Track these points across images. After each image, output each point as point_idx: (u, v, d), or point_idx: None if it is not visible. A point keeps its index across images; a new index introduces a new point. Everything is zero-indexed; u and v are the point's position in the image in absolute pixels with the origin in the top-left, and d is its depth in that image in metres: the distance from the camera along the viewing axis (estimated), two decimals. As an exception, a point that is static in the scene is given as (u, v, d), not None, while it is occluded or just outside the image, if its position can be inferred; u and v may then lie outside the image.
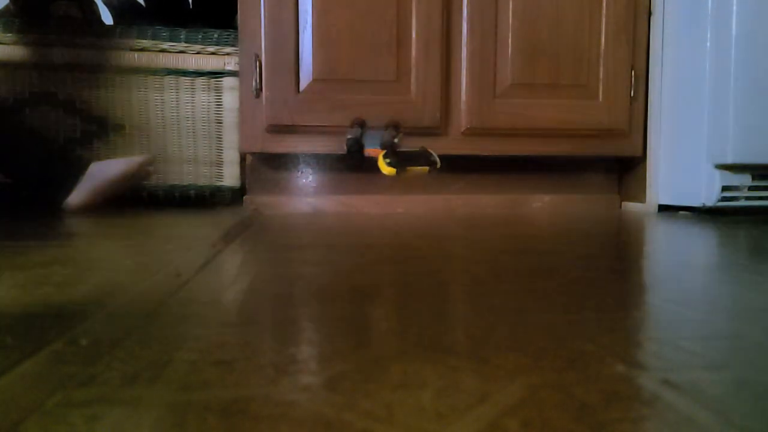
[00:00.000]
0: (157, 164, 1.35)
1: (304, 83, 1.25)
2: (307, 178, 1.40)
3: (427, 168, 1.01)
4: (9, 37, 1.32)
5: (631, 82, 1.36)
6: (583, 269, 0.60)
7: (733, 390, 0.27)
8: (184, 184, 1.41)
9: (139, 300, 0.45)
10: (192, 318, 0.40)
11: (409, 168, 1.01)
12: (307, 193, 1.40)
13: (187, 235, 0.88)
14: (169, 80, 1.40)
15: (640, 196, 1.42)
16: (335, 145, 1.28)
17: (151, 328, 0.37)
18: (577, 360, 0.31)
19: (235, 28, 1.33)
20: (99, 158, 1.26)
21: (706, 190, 1.23)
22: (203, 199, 1.42)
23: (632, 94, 1.36)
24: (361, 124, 1.08)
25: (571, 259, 0.67)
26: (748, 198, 1.25)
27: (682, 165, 1.29)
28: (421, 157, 1.05)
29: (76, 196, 1.20)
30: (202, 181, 1.42)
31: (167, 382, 0.27)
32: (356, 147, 1.05)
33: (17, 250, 0.69)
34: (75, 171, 1.21)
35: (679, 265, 0.64)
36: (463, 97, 1.30)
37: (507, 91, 1.32)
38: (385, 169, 0.98)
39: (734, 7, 1.16)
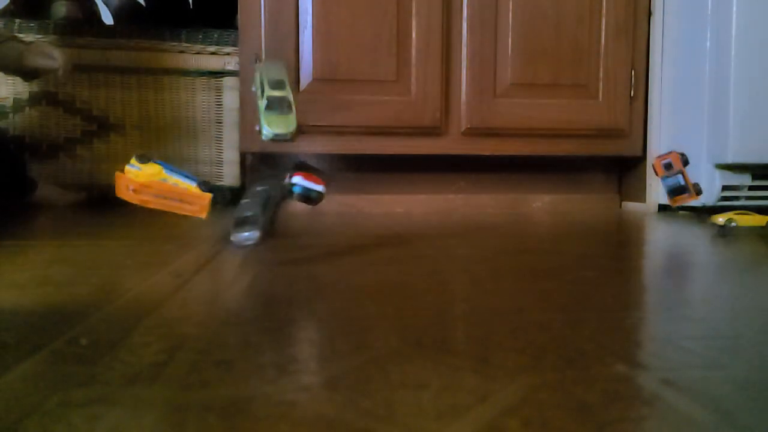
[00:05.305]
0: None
1: (304, 83, 1.25)
2: (307, 178, 1.40)
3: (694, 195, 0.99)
4: (9, 37, 1.32)
5: (631, 82, 1.36)
6: (583, 269, 0.60)
7: (733, 390, 0.27)
8: (184, 184, 1.41)
9: (139, 300, 0.45)
10: (192, 318, 0.40)
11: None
12: (307, 193, 1.39)
13: (187, 235, 0.88)
14: (169, 80, 1.40)
15: (640, 195, 1.42)
16: (335, 145, 1.28)
17: (151, 328, 0.37)
18: (577, 360, 0.31)
19: (235, 28, 1.33)
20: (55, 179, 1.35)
21: (706, 190, 1.23)
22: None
23: (632, 94, 1.36)
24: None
25: (571, 258, 0.67)
26: (748, 198, 1.25)
27: (682, 165, 1.29)
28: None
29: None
30: (202, 181, 1.42)
31: (167, 382, 0.27)
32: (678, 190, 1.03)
33: (17, 250, 0.69)
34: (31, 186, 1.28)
35: (679, 265, 0.64)
36: (463, 97, 1.30)
37: (507, 91, 1.32)
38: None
39: (734, 7, 1.15)
